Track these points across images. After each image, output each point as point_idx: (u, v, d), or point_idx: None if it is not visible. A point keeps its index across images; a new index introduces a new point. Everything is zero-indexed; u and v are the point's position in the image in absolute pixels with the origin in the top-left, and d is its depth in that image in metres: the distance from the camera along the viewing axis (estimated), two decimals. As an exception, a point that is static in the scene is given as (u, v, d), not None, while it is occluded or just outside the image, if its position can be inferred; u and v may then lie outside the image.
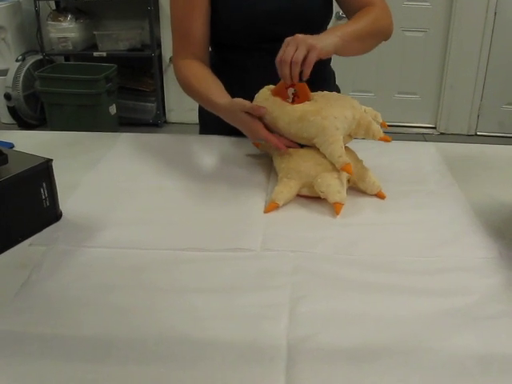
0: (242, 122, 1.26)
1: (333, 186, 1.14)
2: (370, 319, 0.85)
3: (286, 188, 1.17)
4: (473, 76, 4.22)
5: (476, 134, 4.40)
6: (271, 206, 1.15)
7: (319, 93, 1.26)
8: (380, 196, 1.21)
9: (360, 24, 1.33)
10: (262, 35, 1.44)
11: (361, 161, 1.23)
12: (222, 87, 1.39)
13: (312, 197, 1.19)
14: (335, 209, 1.13)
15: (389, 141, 1.22)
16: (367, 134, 1.21)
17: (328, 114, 1.16)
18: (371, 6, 1.40)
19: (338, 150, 1.14)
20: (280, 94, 1.22)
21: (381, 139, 1.21)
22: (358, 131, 1.21)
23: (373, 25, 1.35)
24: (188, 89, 1.45)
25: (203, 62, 1.46)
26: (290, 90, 1.21)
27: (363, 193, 1.22)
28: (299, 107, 1.19)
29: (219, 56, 1.56)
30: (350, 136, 1.23)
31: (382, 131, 1.21)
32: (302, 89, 1.20)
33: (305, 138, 1.19)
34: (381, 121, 1.26)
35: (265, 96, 1.25)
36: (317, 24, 1.46)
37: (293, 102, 1.21)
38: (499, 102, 4.31)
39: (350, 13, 1.44)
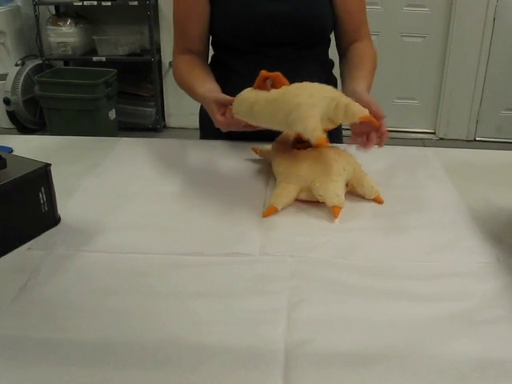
0: (210, 111, 1.32)
1: (331, 189, 1.14)
2: (368, 324, 0.85)
3: (285, 192, 1.17)
4: (472, 81, 4.23)
5: (475, 140, 4.40)
6: (270, 211, 1.15)
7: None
8: (378, 201, 1.21)
9: (370, 76, 1.49)
10: (261, 39, 1.44)
11: (359, 165, 1.23)
12: (209, 77, 1.44)
13: (311, 201, 1.19)
14: (333, 212, 1.13)
15: (375, 123, 1.14)
16: (347, 115, 1.12)
17: (303, 92, 1.12)
18: (362, 41, 1.53)
19: (311, 124, 1.08)
20: (260, 88, 1.19)
21: (362, 119, 1.11)
22: (337, 113, 1.12)
23: (374, 68, 1.54)
24: (179, 80, 1.50)
25: (200, 57, 1.49)
26: (269, 82, 1.18)
27: (361, 197, 1.22)
28: (276, 90, 1.15)
29: (218, 58, 1.57)
30: (332, 121, 1.15)
31: (364, 111, 1.11)
32: (277, 78, 1.16)
33: (279, 120, 1.14)
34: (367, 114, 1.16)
35: (247, 92, 1.21)
36: (318, 30, 1.47)
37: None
38: (498, 108, 4.31)
39: (341, 40, 1.55)
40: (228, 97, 1.28)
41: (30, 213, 1.06)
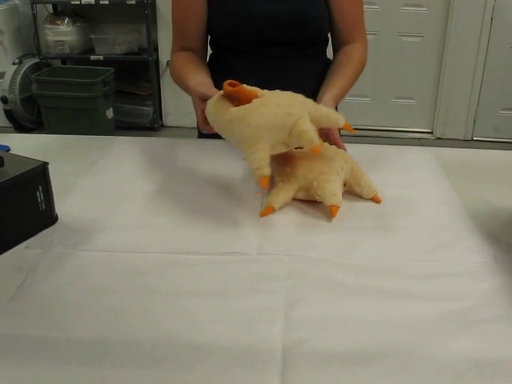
0: (194, 105, 1.31)
1: (329, 189, 1.14)
2: (365, 323, 0.85)
3: (282, 191, 1.17)
4: (469, 81, 4.23)
5: (472, 139, 4.41)
6: (267, 210, 1.15)
7: (269, 92, 1.17)
8: (375, 200, 1.21)
9: (345, 82, 1.43)
10: (260, 39, 1.44)
11: (357, 164, 1.23)
12: (202, 71, 1.43)
13: (308, 200, 1.19)
14: (331, 212, 1.13)
15: (318, 152, 1.11)
16: (299, 143, 1.11)
17: (252, 122, 1.09)
18: (354, 43, 1.51)
19: (256, 162, 1.08)
20: (228, 97, 1.17)
21: (313, 151, 1.09)
22: (290, 140, 1.11)
23: (356, 73, 1.48)
24: (174, 75, 1.50)
25: (198, 55, 1.50)
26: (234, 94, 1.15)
27: (359, 197, 1.22)
28: (231, 111, 1.13)
29: (217, 58, 1.57)
30: (286, 145, 1.13)
31: (316, 141, 1.08)
32: (239, 94, 1.13)
33: (235, 143, 1.15)
34: (342, 124, 1.15)
35: (215, 98, 1.19)
36: (316, 30, 1.47)
37: (238, 104, 1.15)
38: (495, 107, 4.32)
39: (334, 40, 1.54)
40: (213, 93, 1.23)
41: (27, 211, 1.06)
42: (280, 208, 1.17)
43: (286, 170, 1.19)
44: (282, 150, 1.15)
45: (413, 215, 1.17)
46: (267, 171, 1.08)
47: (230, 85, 1.14)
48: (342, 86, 1.41)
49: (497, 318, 0.87)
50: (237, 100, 1.14)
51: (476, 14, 4.02)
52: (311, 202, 1.19)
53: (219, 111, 1.16)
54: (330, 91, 1.37)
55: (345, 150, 1.27)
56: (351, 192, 1.23)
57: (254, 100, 1.12)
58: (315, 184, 1.15)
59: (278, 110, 1.10)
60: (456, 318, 0.86)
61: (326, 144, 1.25)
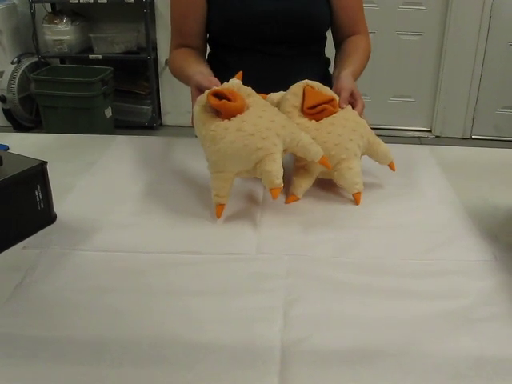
0: (191, 95, 1.28)
1: (349, 178, 1.17)
2: (364, 322, 0.85)
3: (304, 181, 1.20)
4: (468, 79, 4.23)
5: (471, 138, 4.41)
6: (291, 199, 1.20)
7: (255, 105, 1.15)
8: (391, 167, 1.27)
9: (359, 63, 1.45)
10: (259, 36, 1.44)
11: (373, 135, 1.25)
12: (202, 63, 1.43)
13: (307, 200, 1.20)
14: (355, 199, 1.19)
15: (275, 197, 1.08)
16: (261, 178, 1.11)
17: (221, 148, 1.09)
18: (358, 34, 1.52)
19: (217, 188, 1.12)
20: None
21: (270, 191, 1.09)
22: (255, 172, 1.12)
23: (364, 58, 1.49)
24: (173, 69, 1.50)
25: (197, 52, 1.50)
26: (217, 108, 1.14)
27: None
28: (208, 126, 1.13)
29: (215, 56, 1.57)
30: (251, 174, 1.14)
31: (276, 183, 1.07)
32: (222, 108, 1.11)
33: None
34: (318, 159, 1.14)
35: (203, 102, 1.16)
36: (316, 28, 1.47)
37: (222, 115, 1.14)
38: (494, 106, 4.31)
39: (337, 34, 1.55)
40: (210, 83, 1.20)
41: (26, 210, 1.06)
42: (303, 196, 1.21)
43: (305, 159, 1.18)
44: (246, 176, 1.16)
45: (412, 214, 1.17)
46: (224, 200, 1.12)
47: (215, 94, 1.12)
48: (358, 65, 1.42)
49: (496, 316, 0.87)
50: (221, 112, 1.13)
51: (475, 12, 4.01)
52: (309, 201, 1.19)
53: (201, 119, 1.16)
54: (347, 68, 1.36)
55: (360, 112, 1.27)
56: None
57: (233, 119, 1.11)
58: (336, 174, 1.19)
59: (249, 141, 1.08)
60: (455, 316, 0.86)
61: (345, 116, 1.22)
